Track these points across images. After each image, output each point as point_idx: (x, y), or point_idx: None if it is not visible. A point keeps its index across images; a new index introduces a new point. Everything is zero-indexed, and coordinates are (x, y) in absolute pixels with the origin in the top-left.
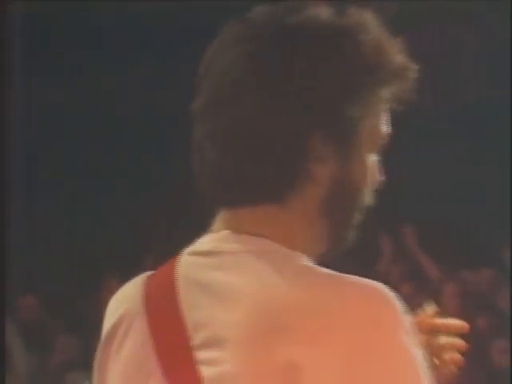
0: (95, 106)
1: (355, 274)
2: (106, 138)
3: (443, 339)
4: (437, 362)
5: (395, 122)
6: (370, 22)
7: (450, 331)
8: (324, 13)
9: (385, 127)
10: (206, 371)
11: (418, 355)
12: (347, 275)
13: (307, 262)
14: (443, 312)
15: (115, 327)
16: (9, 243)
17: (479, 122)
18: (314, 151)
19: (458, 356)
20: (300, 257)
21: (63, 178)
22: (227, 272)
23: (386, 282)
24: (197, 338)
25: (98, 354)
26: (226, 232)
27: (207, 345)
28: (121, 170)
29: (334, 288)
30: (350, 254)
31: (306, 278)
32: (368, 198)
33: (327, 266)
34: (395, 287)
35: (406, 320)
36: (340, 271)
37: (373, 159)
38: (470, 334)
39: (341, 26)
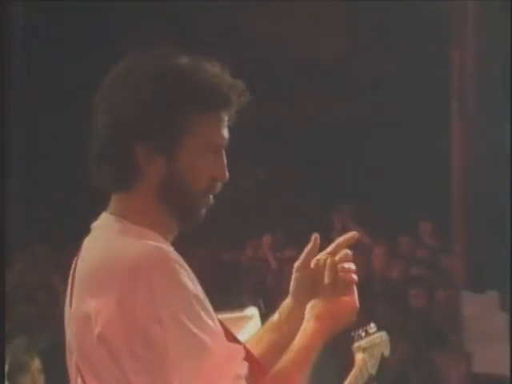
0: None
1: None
2: None
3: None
4: (339, 282)
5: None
6: (206, 64)
7: (345, 244)
8: (176, 60)
9: (215, 137)
10: (71, 311)
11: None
12: (144, 241)
13: (136, 232)
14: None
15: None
16: (9, 242)
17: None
18: (141, 155)
19: (353, 276)
20: (132, 229)
21: (63, 178)
22: (92, 241)
23: None
24: (74, 288)
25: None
26: (106, 212)
27: (75, 293)
28: None
29: (128, 250)
30: (311, 226)
31: (116, 244)
32: (207, 188)
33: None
34: None
35: (180, 272)
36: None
37: (206, 159)
38: (391, 282)
39: (172, 68)
